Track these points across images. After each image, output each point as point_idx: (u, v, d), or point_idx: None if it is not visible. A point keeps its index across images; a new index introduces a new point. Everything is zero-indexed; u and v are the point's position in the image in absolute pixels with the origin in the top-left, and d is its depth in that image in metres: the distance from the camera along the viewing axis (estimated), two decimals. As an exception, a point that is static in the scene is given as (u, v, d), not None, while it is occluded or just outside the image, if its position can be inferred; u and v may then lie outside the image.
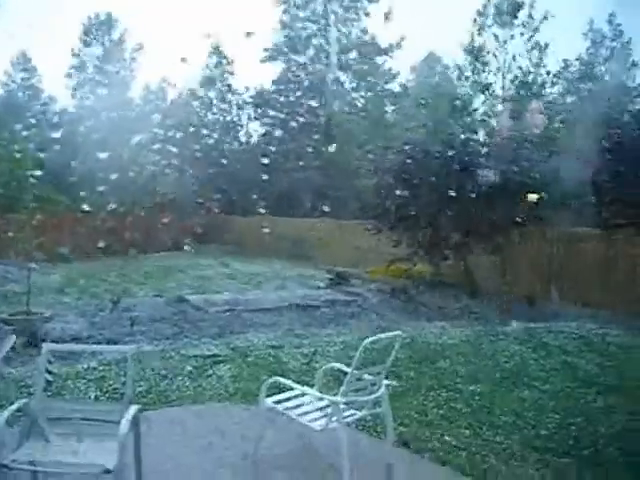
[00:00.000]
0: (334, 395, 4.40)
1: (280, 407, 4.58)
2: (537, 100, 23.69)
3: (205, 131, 29.98)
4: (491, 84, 28.19)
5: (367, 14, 32.58)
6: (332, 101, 30.83)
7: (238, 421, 5.60)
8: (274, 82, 32.37)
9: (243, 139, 33.76)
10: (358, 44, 32.39)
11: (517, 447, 5.15)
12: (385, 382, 4.61)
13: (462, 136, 14.22)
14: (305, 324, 10.49)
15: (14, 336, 5.74)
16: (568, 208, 13.25)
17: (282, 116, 31.09)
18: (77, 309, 11.49)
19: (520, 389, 6.68)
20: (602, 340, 9.00)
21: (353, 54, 32.52)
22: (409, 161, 13.68)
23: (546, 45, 28.70)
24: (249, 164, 26.91)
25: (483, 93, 27.07)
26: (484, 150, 13.95)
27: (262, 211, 19.26)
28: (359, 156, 22.48)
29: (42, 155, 15.34)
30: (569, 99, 29.09)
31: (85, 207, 15.85)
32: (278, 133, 30.75)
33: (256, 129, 33.43)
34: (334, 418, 4.30)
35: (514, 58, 28.75)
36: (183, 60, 30.43)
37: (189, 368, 7.20)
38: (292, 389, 4.72)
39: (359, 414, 4.58)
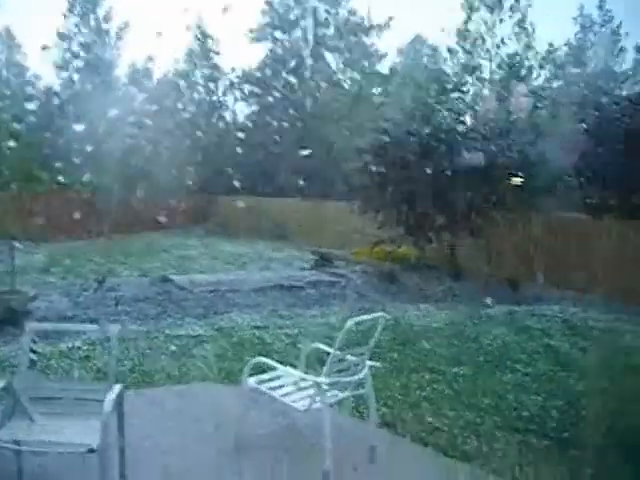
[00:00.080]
0: (318, 376, 4.40)
1: (263, 387, 4.58)
2: (523, 84, 23.70)
3: (187, 110, 29.69)
4: (477, 67, 28.14)
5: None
6: (319, 81, 30.63)
7: (221, 401, 5.62)
8: (260, 63, 32.11)
9: (229, 119, 33.48)
10: (346, 24, 32.12)
11: (499, 429, 5.20)
12: (368, 363, 4.62)
13: (446, 116, 14.17)
14: (289, 305, 10.49)
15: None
16: (552, 191, 13.30)
17: (268, 97, 30.85)
18: (61, 289, 11.44)
19: (502, 372, 6.75)
20: (585, 324, 9.10)
21: (340, 34, 32.24)
22: (388, 139, 13.67)
23: (533, 29, 28.75)
24: (228, 142, 26.87)
25: (470, 76, 27.03)
26: (468, 132, 13.92)
27: (236, 184, 18.84)
28: (344, 136, 22.44)
29: (18, 126, 14.96)
30: (555, 84, 29.15)
31: (60, 179, 15.56)
32: (261, 112, 30.52)
33: (242, 109, 33.21)
34: (317, 399, 4.31)
35: (502, 41, 28.77)
36: (159, 34, 29.89)
37: (173, 348, 7.23)
38: (276, 369, 4.71)
39: (342, 395, 4.60)
